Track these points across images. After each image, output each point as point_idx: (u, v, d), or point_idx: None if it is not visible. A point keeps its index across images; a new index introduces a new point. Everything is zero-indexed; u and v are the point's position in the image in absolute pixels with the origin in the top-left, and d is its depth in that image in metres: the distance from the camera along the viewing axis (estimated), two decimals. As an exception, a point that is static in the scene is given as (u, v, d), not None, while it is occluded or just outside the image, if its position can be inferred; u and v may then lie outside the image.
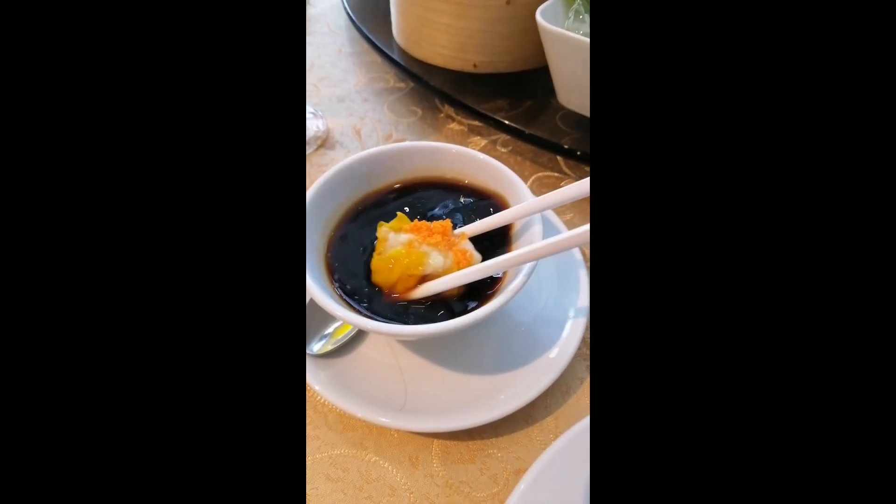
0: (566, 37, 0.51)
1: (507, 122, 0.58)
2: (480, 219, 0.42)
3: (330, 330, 0.42)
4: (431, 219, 0.42)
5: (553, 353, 0.41)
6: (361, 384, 0.39)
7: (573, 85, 0.56)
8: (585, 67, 0.52)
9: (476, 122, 0.65)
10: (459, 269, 0.38)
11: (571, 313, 0.43)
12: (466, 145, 0.63)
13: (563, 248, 0.34)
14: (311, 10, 0.92)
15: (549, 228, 0.48)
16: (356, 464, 0.37)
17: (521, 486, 0.33)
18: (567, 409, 0.40)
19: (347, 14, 0.79)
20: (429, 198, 0.45)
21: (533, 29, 0.54)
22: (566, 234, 0.34)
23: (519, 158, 0.62)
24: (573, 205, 0.55)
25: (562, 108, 0.60)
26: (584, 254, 0.48)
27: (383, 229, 0.40)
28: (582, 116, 0.58)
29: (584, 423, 0.35)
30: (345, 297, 0.39)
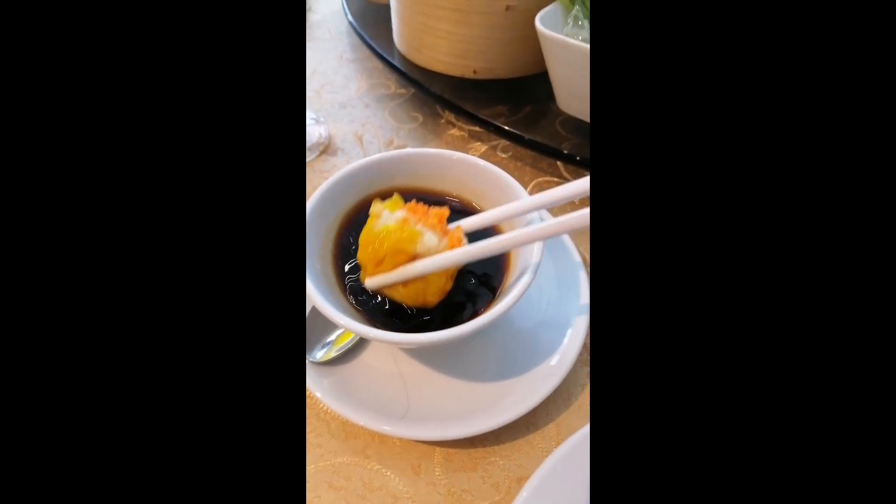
0: (565, 43, 0.51)
1: (506, 127, 0.58)
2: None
3: (332, 337, 0.42)
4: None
5: (554, 359, 0.41)
6: (363, 392, 0.39)
7: (573, 90, 0.56)
8: (585, 73, 0.52)
9: (476, 128, 0.66)
10: None
11: (572, 319, 0.43)
12: (467, 151, 0.64)
13: (562, 231, 0.34)
14: (313, 17, 0.92)
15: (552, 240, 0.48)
16: (359, 472, 0.38)
17: (524, 493, 0.33)
18: (569, 416, 0.40)
19: (348, 20, 0.79)
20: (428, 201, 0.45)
21: (532, 35, 0.54)
22: (566, 216, 0.33)
23: (519, 164, 0.62)
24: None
25: (562, 113, 0.60)
26: (584, 258, 0.48)
27: (377, 206, 0.38)
28: (582, 122, 0.58)
29: (586, 430, 0.35)
30: (355, 304, 0.39)
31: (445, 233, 0.38)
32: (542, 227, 0.35)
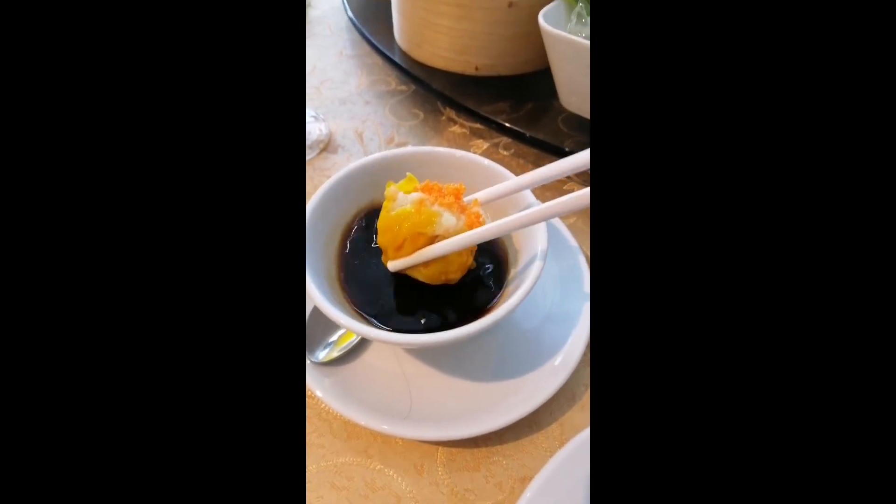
0: (569, 40, 0.51)
1: (508, 124, 0.58)
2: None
3: (334, 338, 0.42)
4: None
5: (558, 359, 0.41)
6: (366, 392, 0.39)
7: (575, 87, 0.56)
8: (588, 70, 0.52)
9: (478, 125, 0.65)
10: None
11: (576, 317, 0.43)
12: (468, 148, 0.63)
13: (572, 208, 0.34)
14: (312, 13, 0.91)
15: (552, 232, 0.48)
16: (361, 472, 0.37)
17: (528, 493, 0.33)
18: (572, 416, 0.40)
19: (348, 16, 0.79)
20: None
21: (535, 32, 0.54)
22: (573, 194, 0.33)
23: (521, 161, 0.61)
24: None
25: (564, 110, 0.59)
26: (587, 256, 0.48)
27: (392, 188, 0.38)
28: (584, 119, 0.58)
29: (589, 431, 0.35)
30: (355, 305, 0.39)
31: (463, 209, 0.37)
32: (563, 201, 0.34)
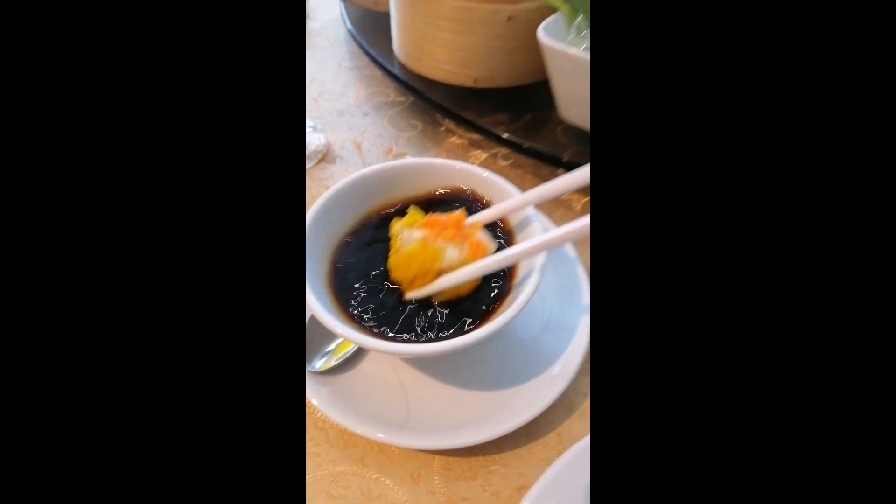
0: (568, 53, 0.52)
1: (507, 135, 0.58)
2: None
3: (332, 347, 0.42)
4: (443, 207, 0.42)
5: (556, 368, 0.40)
6: (363, 401, 0.39)
7: (574, 99, 0.57)
8: (587, 83, 0.52)
9: (476, 136, 0.66)
10: (475, 260, 0.38)
11: (574, 327, 0.43)
12: (467, 159, 0.64)
13: (574, 237, 0.34)
14: (312, 24, 0.92)
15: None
16: (357, 481, 0.37)
17: (525, 503, 0.32)
18: (570, 425, 0.40)
19: (347, 28, 0.79)
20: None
21: (533, 45, 0.55)
22: (575, 223, 0.34)
23: (520, 171, 0.62)
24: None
25: (562, 121, 0.60)
26: (586, 266, 0.48)
27: (397, 226, 0.40)
28: (583, 130, 0.58)
29: (587, 440, 0.34)
30: (351, 313, 0.39)
31: (465, 238, 0.39)
32: (564, 232, 0.35)
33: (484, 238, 0.40)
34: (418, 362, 0.42)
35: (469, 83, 0.65)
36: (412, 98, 0.72)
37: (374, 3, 0.79)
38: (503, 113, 0.62)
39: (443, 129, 0.69)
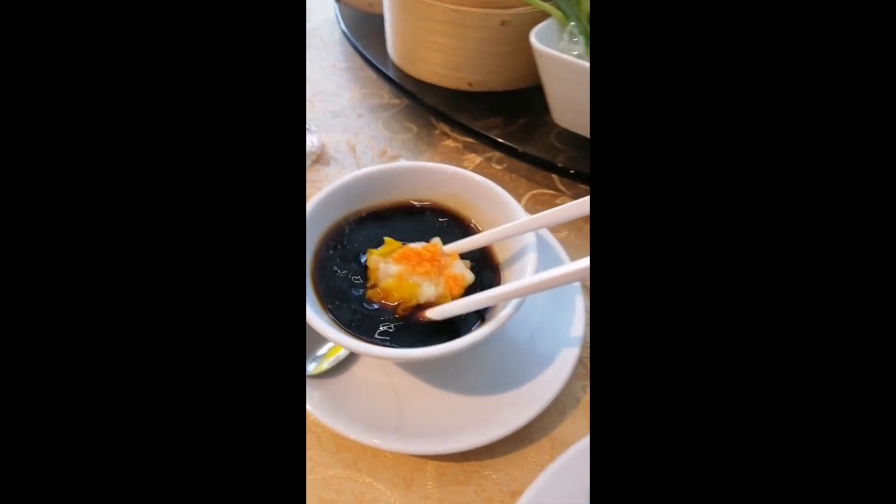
0: (560, 59, 0.52)
1: (501, 140, 0.58)
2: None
3: (323, 351, 0.41)
4: (423, 235, 0.42)
5: (549, 372, 0.40)
6: (355, 405, 0.39)
7: (568, 104, 0.57)
8: (580, 88, 0.53)
9: (470, 140, 0.66)
10: (451, 294, 0.39)
11: (567, 331, 0.43)
12: (461, 162, 0.64)
13: (557, 284, 0.33)
14: (306, 25, 0.92)
15: (543, 247, 0.48)
16: (350, 486, 0.37)
17: (518, 508, 0.32)
18: (563, 430, 0.40)
19: (342, 29, 0.79)
20: (419, 219, 0.46)
21: (527, 49, 0.55)
22: (562, 268, 0.33)
23: (514, 176, 0.62)
24: (568, 223, 0.55)
25: (556, 126, 0.60)
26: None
27: (373, 258, 0.41)
28: (576, 135, 0.59)
29: (581, 445, 0.34)
30: (336, 319, 0.38)
31: (441, 271, 0.40)
32: (548, 278, 0.34)
33: (460, 270, 0.40)
34: (410, 366, 0.42)
35: (463, 87, 0.65)
36: (407, 101, 0.72)
37: (369, 5, 0.79)
38: (497, 117, 0.62)
39: (437, 132, 0.69)
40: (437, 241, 0.41)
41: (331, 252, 0.43)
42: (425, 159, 0.65)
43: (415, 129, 0.69)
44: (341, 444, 0.39)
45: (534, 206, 0.58)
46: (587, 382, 0.43)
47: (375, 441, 0.36)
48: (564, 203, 0.58)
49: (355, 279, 0.41)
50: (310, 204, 0.42)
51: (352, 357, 0.42)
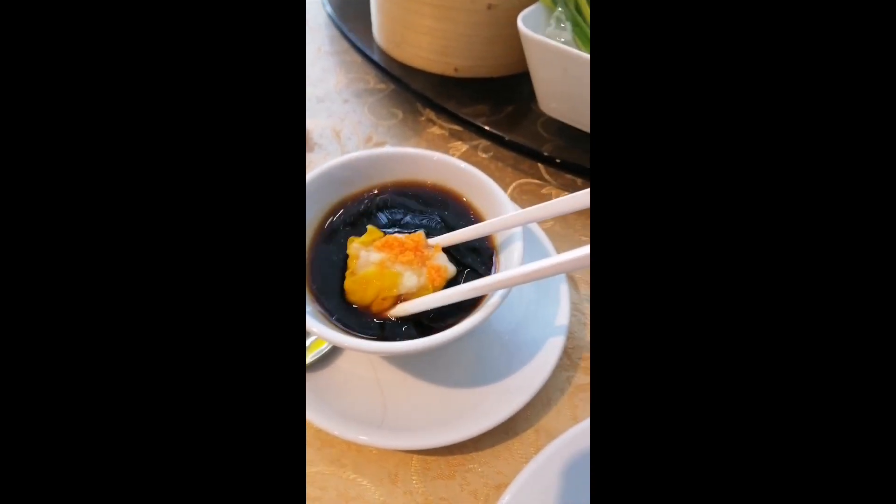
0: (546, 44, 0.51)
1: (487, 127, 0.58)
2: (457, 228, 0.41)
3: (306, 343, 0.41)
4: (406, 226, 0.41)
5: (534, 363, 0.40)
6: (339, 399, 0.39)
7: (554, 92, 0.56)
8: (565, 75, 0.52)
9: (457, 127, 0.65)
10: (434, 286, 0.38)
11: (552, 322, 0.43)
12: (447, 150, 0.63)
13: (544, 275, 0.33)
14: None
15: (528, 237, 0.48)
16: (334, 482, 0.37)
17: (503, 501, 0.32)
18: (548, 421, 0.40)
19: (327, 12, 0.77)
20: (406, 205, 0.45)
21: (514, 35, 0.54)
22: (550, 259, 0.32)
23: (500, 164, 0.61)
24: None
25: (543, 114, 0.59)
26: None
27: (354, 246, 0.39)
28: (562, 123, 0.58)
29: (565, 437, 0.34)
30: (322, 310, 0.38)
31: (424, 262, 0.38)
32: (534, 269, 0.33)
33: (443, 262, 0.39)
34: (396, 360, 0.42)
35: (450, 72, 0.64)
36: (392, 86, 0.71)
37: (354, -13, 0.77)
38: (484, 104, 0.61)
39: (423, 118, 0.68)
40: (420, 232, 0.41)
41: (320, 242, 0.42)
42: (411, 146, 0.64)
43: (400, 115, 0.68)
44: (325, 439, 0.39)
45: (520, 196, 0.57)
46: (572, 373, 0.43)
47: (360, 437, 0.36)
48: (549, 192, 0.58)
49: (339, 270, 0.41)
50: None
51: (335, 350, 0.42)
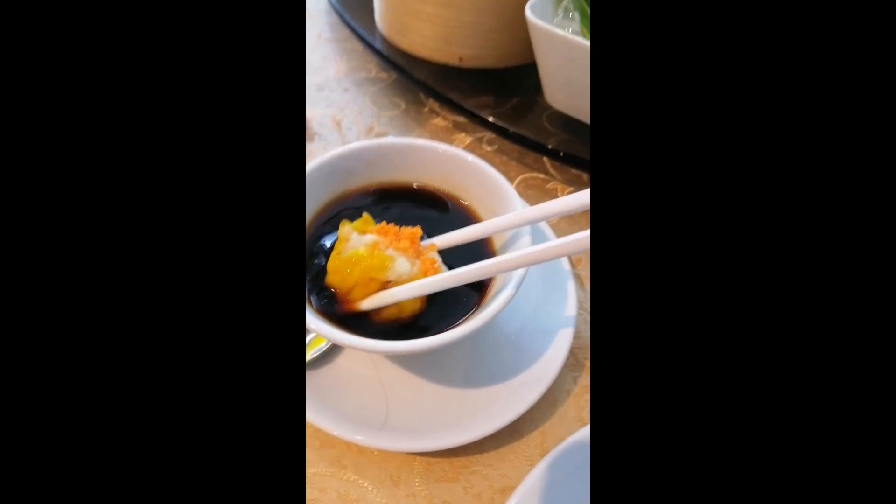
0: (554, 34, 0.49)
1: (492, 119, 0.56)
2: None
3: (305, 340, 0.40)
4: (402, 222, 0.40)
5: (540, 364, 0.39)
6: (340, 399, 0.38)
7: (560, 83, 0.55)
8: (573, 66, 0.50)
9: (461, 118, 0.63)
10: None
11: (558, 323, 0.42)
12: (451, 141, 0.61)
13: (551, 257, 0.32)
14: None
15: (536, 234, 0.47)
16: (335, 483, 0.36)
17: (509, 505, 0.32)
18: (554, 423, 0.39)
19: (327, -2, 0.76)
20: (406, 203, 0.44)
21: (521, 24, 0.52)
22: (555, 241, 0.31)
23: (505, 158, 0.60)
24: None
25: (549, 107, 0.58)
26: (571, 261, 0.47)
27: (346, 228, 0.37)
28: (568, 117, 0.57)
29: (572, 439, 0.34)
30: (320, 306, 0.37)
31: (419, 254, 0.36)
32: (528, 253, 0.32)
33: (438, 260, 0.37)
34: (399, 358, 0.41)
35: (454, 62, 0.63)
36: (395, 75, 0.69)
37: (355, -28, 0.75)
38: (489, 95, 0.60)
39: (426, 109, 0.66)
40: (418, 227, 0.39)
41: (319, 235, 0.41)
42: (414, 137, 0.62)
43: (403, 105, 0.67)
44: (325, 439, 0.38)
45: (525, 191, 0.56)
46: (579, 374, 0.42)
47: (361, 439, 0.35)
48: (555, 188, 0.56)
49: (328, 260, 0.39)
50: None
51: (336, 347, 0.40)
